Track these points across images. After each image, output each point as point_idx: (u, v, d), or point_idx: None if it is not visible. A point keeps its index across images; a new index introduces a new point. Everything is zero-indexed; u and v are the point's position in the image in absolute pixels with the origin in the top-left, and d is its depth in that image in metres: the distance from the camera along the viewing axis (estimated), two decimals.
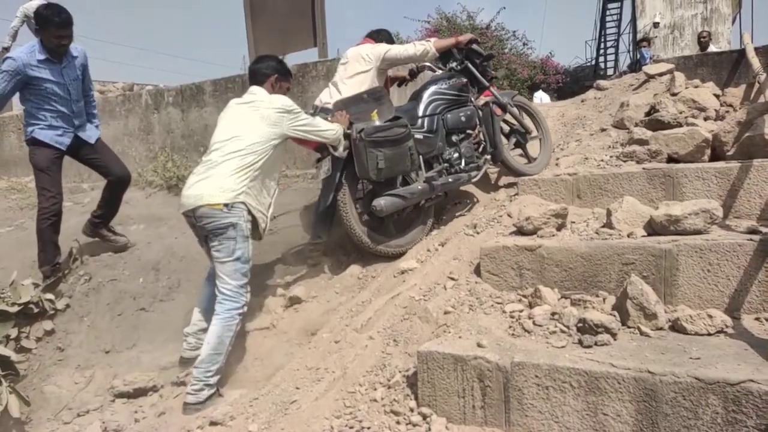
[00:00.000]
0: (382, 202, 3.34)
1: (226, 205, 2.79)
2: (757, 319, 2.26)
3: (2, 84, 3.52)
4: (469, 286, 2.87)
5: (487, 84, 4.06)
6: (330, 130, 3.22)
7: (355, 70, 3.80)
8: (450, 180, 3.68)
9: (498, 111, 4.02)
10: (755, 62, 4.71)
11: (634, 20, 14.02)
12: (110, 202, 4.03)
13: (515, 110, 4.14)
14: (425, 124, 3.66)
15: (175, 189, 5.05)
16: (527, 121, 4.27)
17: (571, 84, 15.48)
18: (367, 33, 4.22)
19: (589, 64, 19.19)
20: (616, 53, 18.67)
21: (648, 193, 3.17)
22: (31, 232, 3.90)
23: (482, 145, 3.96)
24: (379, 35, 4.12)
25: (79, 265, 4.02)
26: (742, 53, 5.05)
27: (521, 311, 2.57)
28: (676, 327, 2.22)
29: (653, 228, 2.67)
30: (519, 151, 4.22)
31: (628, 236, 2.70)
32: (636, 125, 4.01)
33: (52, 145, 3.72)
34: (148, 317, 3.64)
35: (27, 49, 3.63)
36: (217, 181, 2.84)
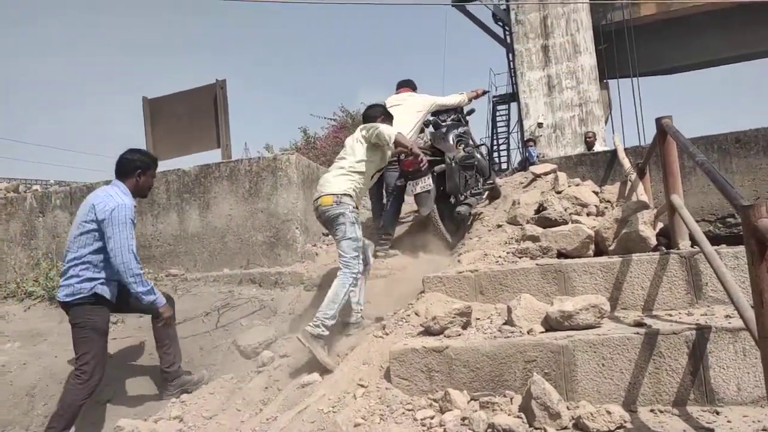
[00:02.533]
0: (462, 210, 4.64)
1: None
2: (651, 411, 2.36)
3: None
4: (379, 393, 2.78)
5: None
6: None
7: (416, 109, 4.80)
8: (475, 198, 4.85)
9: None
10: (626, 162, 5.29)
11: (521, 120, 15.46)
12: None
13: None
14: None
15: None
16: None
17: None
18: (402, 83, 5.27)
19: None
20: (508, 150, 20.35)
21: (543, 287, 3.32)
22: None
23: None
24: (411, 83, 5.27)
25: None
26: (615, 153, 5.67)
27: (432, 418, 2.51)
28: (579, 425, 2.25)
29: (550, 324, 2.77)
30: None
31: (528, 333, 2.78)
32: (528, 222, 4.28)
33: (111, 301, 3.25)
34: None
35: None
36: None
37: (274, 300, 4.37)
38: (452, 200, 4.82)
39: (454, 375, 2.72)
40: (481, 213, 5.46)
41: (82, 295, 3.11)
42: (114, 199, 3.17)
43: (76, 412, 3.03)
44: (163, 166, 5.97)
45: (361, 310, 3.74)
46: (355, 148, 3.67)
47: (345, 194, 3.51)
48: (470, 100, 5.29)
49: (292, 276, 4.55)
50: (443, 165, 4.59)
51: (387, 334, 3.38)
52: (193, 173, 5.26)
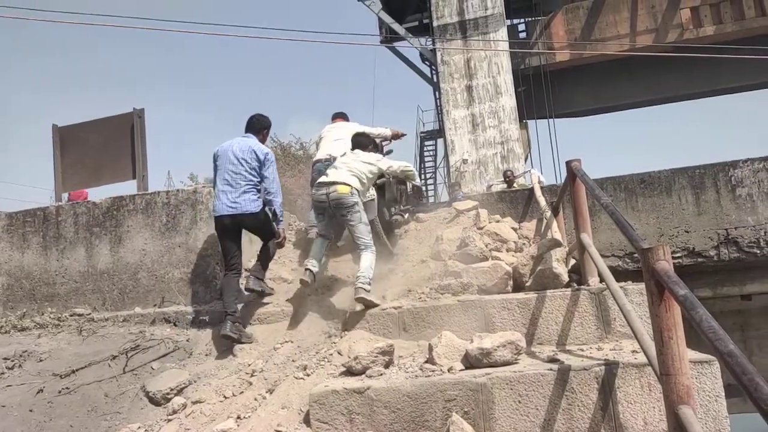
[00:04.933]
0: (397, 218, 5.47)
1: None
2: None
3: None
4: None
5: None
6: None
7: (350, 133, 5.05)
8: (405, 210, 5.67)
9: None
10: (542, 201, 5.53)
11: (447, 156, 15.94)
12: None
13: None
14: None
15: None
16: None
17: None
18: (337, 114, 5.74)
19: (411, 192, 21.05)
20: (435, 184, 20.88)
21: (464, 323, 3.37)
22: None
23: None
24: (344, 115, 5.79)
25: None
26: (532, 191, 5.92)
27: None
28: None
29: (470, 361, 2.79)
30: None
31: (449, 371, 2.78)
32: (450, 258, 4.35)
33: None
34: None
35: None
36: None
37: (190, 340, 4.15)
38: (386, 214, 5.45)
39: (375, 417, 2.66)
40: (407, 247, 5.51)
41: (251, 210, 4.13)
42: (263, 146, 4.37)
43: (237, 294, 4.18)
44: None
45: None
46: (361, 170, 4.31)
47: (357, 189, 4.19)
48: (393, 136, 5.77)
49: (211, 314, 4.35)
50: (384, 179, 5.17)
51: (308, 375, 3.29)
52: (105, 206, 4.97)
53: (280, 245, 4.53)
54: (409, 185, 5.85)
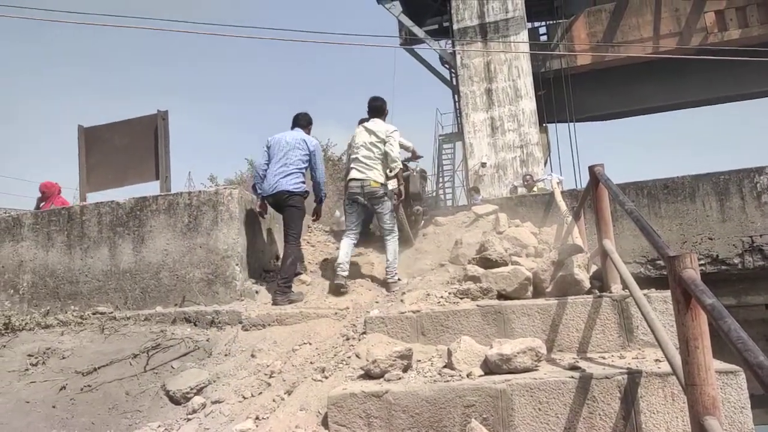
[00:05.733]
0: (418, 209, 6.10)
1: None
2: None
3: None
4: None
5: None
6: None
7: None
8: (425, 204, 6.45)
9: None
10: (562, 205, 5.49)
11: (465, 159, 15.88)
12: None
13: None
14: None
15: None
16: None
17: None
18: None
19: (431, 195, 21.05)
20: (453, 187, 20.81)
21: (483, 329, 3.35)
22: None
23: None
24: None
25: None
26: (553, 195, 5.87)
27: None
28: None
29: (489, 367, 2.77)
30: None
31: (468, 376, 2.76)
32: (470, 262, 4.33)
33: None
34: None
35: None
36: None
37: (210, 340, 4.19)
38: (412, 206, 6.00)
39: (393, 421, 2.66)
40: (426, 251, 5.51)
41: (299, 189, 4.91)
42: (312, 138, 5.16)
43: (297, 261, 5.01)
44: (96, 197, 5.74)
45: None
46: (378, 156, 4.98)
47: (384, 183, 4.95)
48: (413, 154, 6.31)
49: (230, 315, 4.38)
50: (409, 172, 5.82)
51: (326, 378, 3.29)
52: (128, 206, 5.04)
53: (318, 218, 5.54)
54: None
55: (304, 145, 4.97)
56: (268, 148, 5.03)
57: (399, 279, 4.78)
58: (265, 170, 4.98)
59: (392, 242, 4.85)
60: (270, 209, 5.22)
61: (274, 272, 5.22)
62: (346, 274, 4.78)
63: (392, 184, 5.11)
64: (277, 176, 4.87)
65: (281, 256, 5.10)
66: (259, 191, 5.04)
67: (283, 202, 4.88)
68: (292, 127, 5.17)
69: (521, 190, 10.74)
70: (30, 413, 3.54)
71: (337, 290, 4.72)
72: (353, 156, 5.15)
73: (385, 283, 4.87)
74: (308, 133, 5.21)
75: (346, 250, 4.88)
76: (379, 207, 4.92)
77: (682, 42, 14.44)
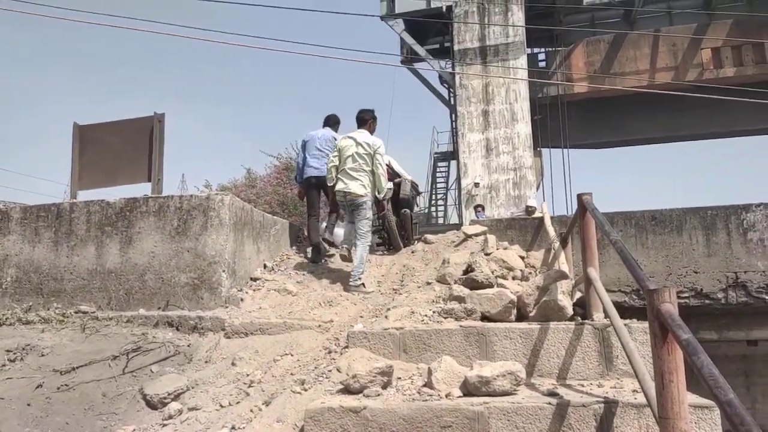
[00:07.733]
0: (406, 211, 6.58)
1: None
2: None
3: None
4: None
5: None
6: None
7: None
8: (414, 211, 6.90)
9: None
10: (551, 231, 5.53)
11: (459, 178, 15.98)
12: None
13: None
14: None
15: None
16: None
17: None
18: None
19: (423, 212, 21.10)
20: (445, 205, 20.90)
21: (465, 350, 3.36)
22: None
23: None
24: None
25: None
26: (542, 220, 5.92)
27: None
28: None
29: (468, 389, 2.78)
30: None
31: (447, 396, 2.77)
32: (456, 282, 4.35)
33: None
34: None
35: None
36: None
37: (191, 346, 4.16)
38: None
39: None
40: (414, 268, 5.53)
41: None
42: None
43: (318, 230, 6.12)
44: (86, 195, 5.72)
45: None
46: (364, 168, 5.38)
47: (368, 192, 5.38)
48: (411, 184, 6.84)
49: (213, 321, 4.36)
50: (399, 179, 6.26)
51: (306, 390, 3.28)
52: (118, 206, 5.03)
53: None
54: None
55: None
56: (304, 142, 6.24)
57: (362, 284, 5.11)
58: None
59: (362, 248, 5.24)
60: (265, 214, 5.88)
61: (261, 280, 5.23)
62: (351, 247, 5.37)
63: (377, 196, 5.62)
64: (314, 165, 6.10)
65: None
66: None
67: (323, 185, 5.97)
68: (324, 126, 6.34)
69: None
70: (4, 410, 3.50)
71: (343, 259, 5.46)
72: (341, 167, 5.51)
73: (347, 287, 5.16)
74: (336, 129, 6.36)
75: (348, 231, 5.52)
76: (357, 213, 5.38)
77: (678, 76, 14.71)
